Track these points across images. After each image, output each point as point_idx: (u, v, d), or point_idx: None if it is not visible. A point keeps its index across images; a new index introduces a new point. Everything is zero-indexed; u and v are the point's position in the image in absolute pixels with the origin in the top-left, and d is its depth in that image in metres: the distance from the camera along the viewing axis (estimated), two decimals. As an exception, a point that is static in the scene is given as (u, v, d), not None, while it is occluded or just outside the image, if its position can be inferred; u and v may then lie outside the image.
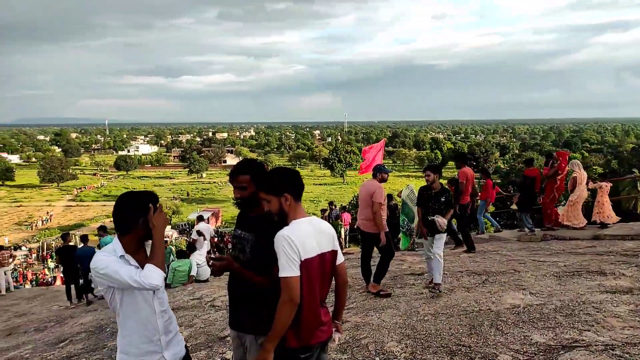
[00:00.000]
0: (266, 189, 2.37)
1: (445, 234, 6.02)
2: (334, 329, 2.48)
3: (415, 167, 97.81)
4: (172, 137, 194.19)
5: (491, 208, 14.01)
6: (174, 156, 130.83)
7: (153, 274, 2.22)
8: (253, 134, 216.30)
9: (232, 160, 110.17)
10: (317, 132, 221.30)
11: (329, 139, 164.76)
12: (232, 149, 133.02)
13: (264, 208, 2.40)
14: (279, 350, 2.27)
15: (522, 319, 4.53)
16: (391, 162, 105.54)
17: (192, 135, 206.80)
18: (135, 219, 2.31)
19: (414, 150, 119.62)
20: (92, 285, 10.35)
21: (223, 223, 49.36)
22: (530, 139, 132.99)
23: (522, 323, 4.41)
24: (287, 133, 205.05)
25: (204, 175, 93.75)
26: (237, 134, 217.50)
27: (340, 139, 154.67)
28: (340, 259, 2.50)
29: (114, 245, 2.33)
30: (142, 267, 2.27)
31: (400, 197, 10.60)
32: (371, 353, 4.07)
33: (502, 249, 8.75)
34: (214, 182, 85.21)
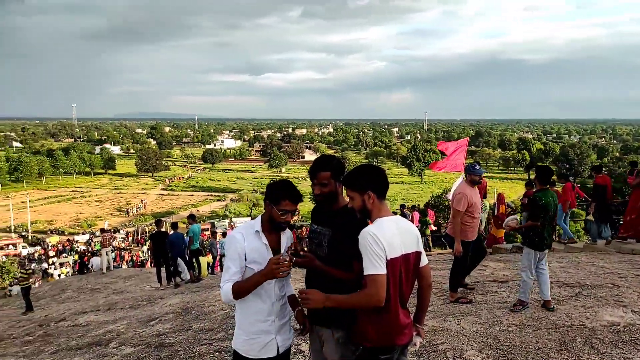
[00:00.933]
0: (350, 186, 2.37)
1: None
2: (414, 333, 2.43)
3: (500, 168, 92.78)
4: (254, 133, 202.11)
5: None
6: (256, 150, 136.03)
7: (226, 292, 2.42)
8: (331, 130, 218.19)
9: (310, 156, 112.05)
10: (395, 129, 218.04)
11: (408, 137, 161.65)
12: (310, 145, 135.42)
13: (341, 204, 2.41)
14: (358, 347, 2.26)
15: (622, 338, 4.11)
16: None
17: (273, 130, 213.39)
18: (275, 201, 2.48)
19: (499, 150, 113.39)
20: (180, 269, 11.08)
21: (300, 217, 50.46)
22: (633, 141, 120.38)
23: (622, 344, 4.00)
24: (365, 130, 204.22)
25: (283, 169, 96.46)
26: (316, 130, 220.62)
27: (419, 137, 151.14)
28: (425, 261, 2.44)
29: (256, 220, 2.58)
30: (272, 247, 2.50)
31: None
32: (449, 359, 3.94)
33: (597, 260, 8.02)
34: (293, 177, 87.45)
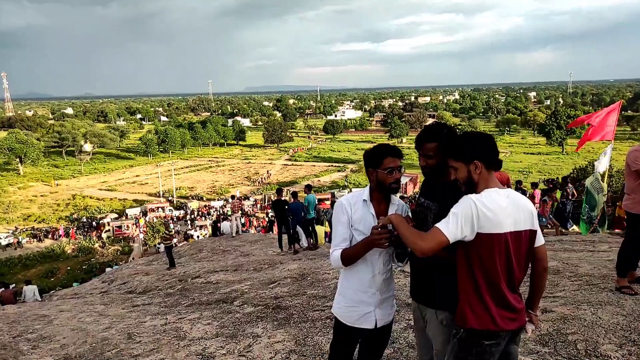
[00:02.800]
0: (454, 155, 2.17)
1: None
2: (527, 319, 2.20)
3: (665, 136, 79.35)
4: (375, 102, 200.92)
5: None
6: (376, 121, 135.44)
7: (335, 258, 2.46)
8: (457, 97, 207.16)
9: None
10: (532, 94, 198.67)
11: (547, 102, 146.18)
12: (434, 113, 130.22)
13: (450, 176, 2.22)
14: (460, 330, 2.11)
15: None
16: (629, 129, 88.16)
17: (394, 99, 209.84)
18: (375, 163, 2.48)
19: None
20: (299, 237, 11.64)
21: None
22: None
23: None
24: (496, 96, 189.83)
25: (404, 140, 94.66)
26: (440, 97, 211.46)
27: (561, 101, 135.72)
28: (540, 240, 2.18)
29: (364, 189, 2.59)
30: (378, 216, 2.46)
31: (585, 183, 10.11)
32: (580, 352, 3.53)
33: None
34: (414, 148, 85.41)
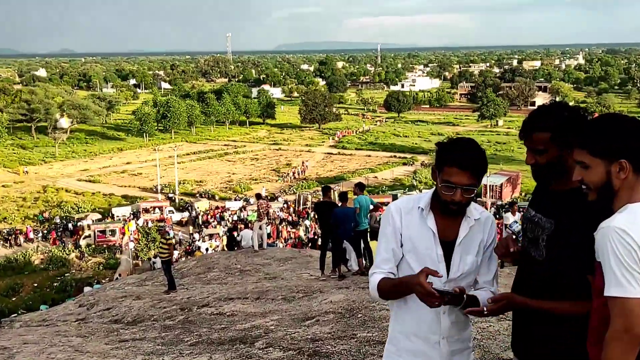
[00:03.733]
0: (591, 148, 2.07)
1: None
2: None
3: None
4: (459, 68, 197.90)
5: None
6: (461, 94, 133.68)
7: (371, 286, 2.42)
8: (582, 61, 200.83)
9: (544, 101, 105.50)
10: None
11: None
12: (546, 85, 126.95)
13: (573, 178, 2.13)
14: None
15: None
16: None
17: (487, 64, 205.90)
18: (438, 167, 2.39)
19: None
20: (347, 257, 11.65)
21: (522, 194, 48.30)
22: None
23: None
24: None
25: (501, 122, 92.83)
26: (556, 62, 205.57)
27: None
28: None
29: (426, 193, 2.51)
30: (442, 235, 2.38)
31: None
32: None
33: None
34: (515, 134, 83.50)
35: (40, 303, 26.86)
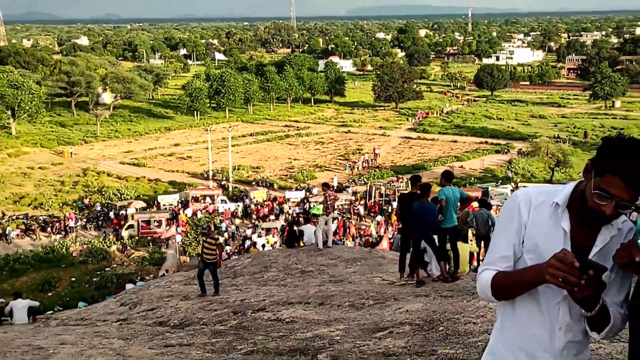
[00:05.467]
0: None
1: None
2: None
3: None
4: (568, 37, 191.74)
5: None
6: (569, 69, 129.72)
7: (482, 283, 2.40)
8: None
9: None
10: None
11: None
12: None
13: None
14: None
15: None
16: None
17: (603, 33, 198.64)
18: (599, 170, 2.25)
19: None
20: (426, 259, 11.52)
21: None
22: None
23: None
24: None
25: (618, 103, 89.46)
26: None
27: None
28: None
29: (565, 187, 2.43)
30: (576, 240, 2.31)
31: None
32: None
33: None
34: (635, 118, 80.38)
35: (78, 300, 27.98)
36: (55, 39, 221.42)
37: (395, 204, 34.22)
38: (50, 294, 33.16)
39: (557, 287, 2.18)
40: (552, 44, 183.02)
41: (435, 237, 11.02)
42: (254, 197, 49.57)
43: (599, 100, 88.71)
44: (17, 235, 44.60)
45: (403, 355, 6.40)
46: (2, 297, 23.75)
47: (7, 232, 44.23)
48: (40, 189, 56.99)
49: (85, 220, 47.15)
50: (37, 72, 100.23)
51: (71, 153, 69.47)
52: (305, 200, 47.33)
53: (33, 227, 45.91)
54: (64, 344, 9.48)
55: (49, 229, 45.43)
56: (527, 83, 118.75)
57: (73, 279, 35.93)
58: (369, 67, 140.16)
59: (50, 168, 64.18)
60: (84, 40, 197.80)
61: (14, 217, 48.27)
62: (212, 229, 17.55)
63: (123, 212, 47.04)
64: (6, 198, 54.39)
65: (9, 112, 77.48)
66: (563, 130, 73.78)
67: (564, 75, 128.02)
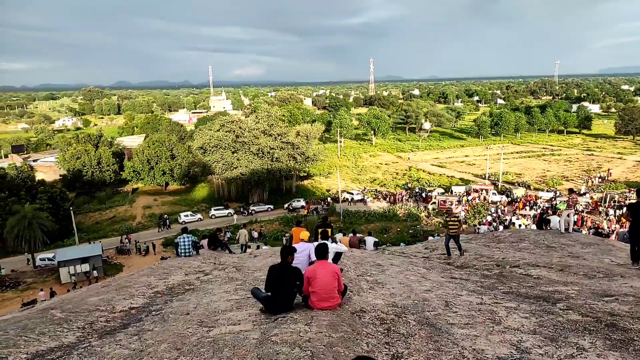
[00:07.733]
0: None
1: None
2: None
3: None
4: None
5: None
6: None
7: None
8: None
9: None
10: None
11: None
12: None
13: None
14: None
15: None
16: None
17: None
18: None
19: None
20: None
21: None
22: None
23: None
24: None
25: None
26: None
27: None
28: None
29: None
30: None
31: None
32: None
33: None
34: None
35: (400, 241, 29.13)
36: (400, 90, 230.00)
37: (625, 209, 28.70)
38: (385, 236, 35.10)
39: None
40: None
41: None
42: (515, 193, 46.00)
43: None
44: (371, 200, 48.01)
45: (627, 318, 5.32)
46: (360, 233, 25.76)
47: (365, 198, 47.87)
48: (384, 176, 60.51)
49: (408, 196, 48.69)
50: (389, 109, 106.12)
51: (409, 158, 71.88)
52: (553, 199, 42.34)
53: (379, 197, 49.00)
54: (393, 265, 9.94)
55: (387, 199, 48.00)
56: None
57: (398, 230, 37.43)
58: (612, 110, 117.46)
59: (391, 165, 67.58)
60: (416, 92, 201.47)
61: (370, 190, 52.12)
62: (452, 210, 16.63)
63: (430, 194, 47.67)
64: (366, 179, 59.12)
65: (372, 132, 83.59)
66: None
67: None
